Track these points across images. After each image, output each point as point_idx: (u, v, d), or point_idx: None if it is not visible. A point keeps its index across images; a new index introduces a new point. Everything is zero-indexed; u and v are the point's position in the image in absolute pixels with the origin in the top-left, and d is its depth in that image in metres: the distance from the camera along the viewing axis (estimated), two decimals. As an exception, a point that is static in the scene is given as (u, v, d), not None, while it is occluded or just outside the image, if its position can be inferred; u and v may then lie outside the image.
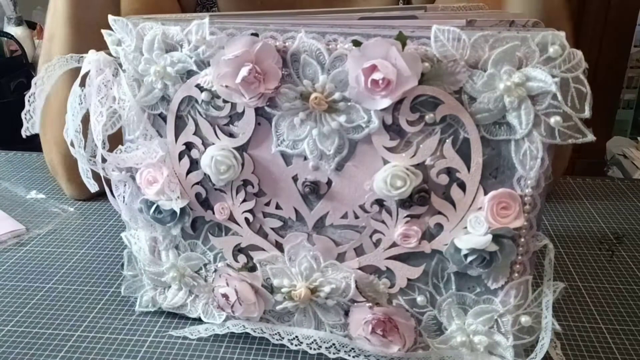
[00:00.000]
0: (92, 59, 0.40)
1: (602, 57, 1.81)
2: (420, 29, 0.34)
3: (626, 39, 1.85)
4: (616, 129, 1.99)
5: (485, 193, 0.36)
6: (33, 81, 0.42)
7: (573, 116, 0.33)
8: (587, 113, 0.32)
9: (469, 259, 0.37)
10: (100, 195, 0.63)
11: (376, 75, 0.33)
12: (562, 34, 0.32)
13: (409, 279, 0.40)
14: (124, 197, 0.44)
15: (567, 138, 0.33)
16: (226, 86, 0.36)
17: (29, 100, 0.43)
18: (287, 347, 0.43)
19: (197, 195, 0.42)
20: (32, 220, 0.63)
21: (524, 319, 0.38)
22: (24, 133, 0.44)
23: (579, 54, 0.32)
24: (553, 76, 0.32)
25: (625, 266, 0.55)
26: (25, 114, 0.43)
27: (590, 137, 0.33)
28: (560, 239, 0.59)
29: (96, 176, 0.43)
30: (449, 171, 0.36)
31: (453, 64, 0.33)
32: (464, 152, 0.36)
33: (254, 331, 0.44)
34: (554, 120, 0.33)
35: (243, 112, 0.38)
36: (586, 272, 0.54)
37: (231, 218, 0.42)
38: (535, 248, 0.37)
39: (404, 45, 0.33)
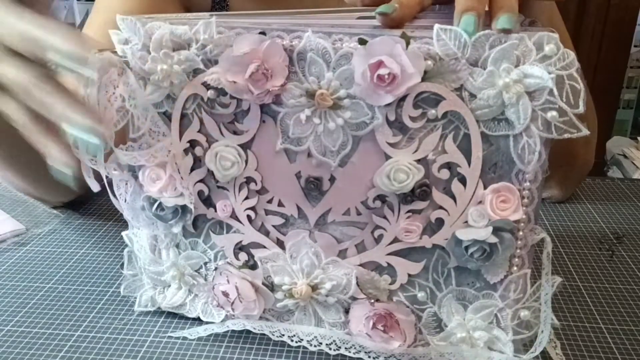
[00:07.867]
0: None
1: (602, 57, 1.79)
2: (422, 29, 0.35)
3: (626, 39, 1.83)
4: (616, 129, 1.97)
5: (485, 187, 0.37)
6: None
7: (568, 111, 0.34)
8: (581, 109, 0.34)
9: (470, 250, 0.38)
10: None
11: (382, 71, 0.34)
12: (556, 35, 0.34)
13: (409, 275, 0.41)
14: (125, 197, 0.44)
15: (562, 133, 0.35)
16: (234, 82, 0.37)
17: None
18: (288, 345, 0.43)
19: (200, 193, 0.43)
20: (32, 220, 0.63)
21: (523, 313, 0.39)
22: None
23: (572, 54, 0.34)
24: (549, 73, 0.34)
25: (625, 266, 0.55)
26: None
27: (585, 131, 0.34)
28: (560, 239, 0.59)
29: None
30: (450, 166, 0.37)
31: (454, 62, 0.35)
32: (465, 147, 0.37)
33: (254, 328, 0.44)
34: (550, 115, 0.34)
35: (248, 109, 0.39)
36: (586, 272, 0.54)
37: (233, 216, 0.43)
38: (533, 241, 0.38)
39: (407, 43, 0.35)
